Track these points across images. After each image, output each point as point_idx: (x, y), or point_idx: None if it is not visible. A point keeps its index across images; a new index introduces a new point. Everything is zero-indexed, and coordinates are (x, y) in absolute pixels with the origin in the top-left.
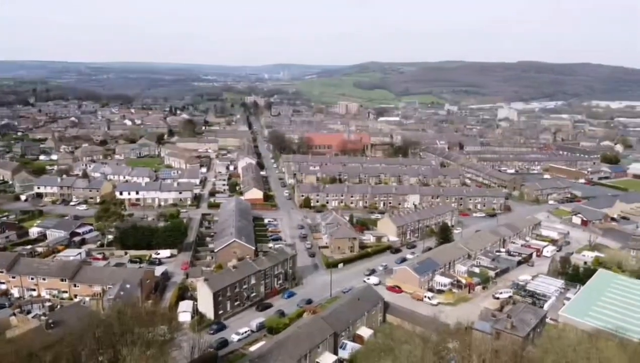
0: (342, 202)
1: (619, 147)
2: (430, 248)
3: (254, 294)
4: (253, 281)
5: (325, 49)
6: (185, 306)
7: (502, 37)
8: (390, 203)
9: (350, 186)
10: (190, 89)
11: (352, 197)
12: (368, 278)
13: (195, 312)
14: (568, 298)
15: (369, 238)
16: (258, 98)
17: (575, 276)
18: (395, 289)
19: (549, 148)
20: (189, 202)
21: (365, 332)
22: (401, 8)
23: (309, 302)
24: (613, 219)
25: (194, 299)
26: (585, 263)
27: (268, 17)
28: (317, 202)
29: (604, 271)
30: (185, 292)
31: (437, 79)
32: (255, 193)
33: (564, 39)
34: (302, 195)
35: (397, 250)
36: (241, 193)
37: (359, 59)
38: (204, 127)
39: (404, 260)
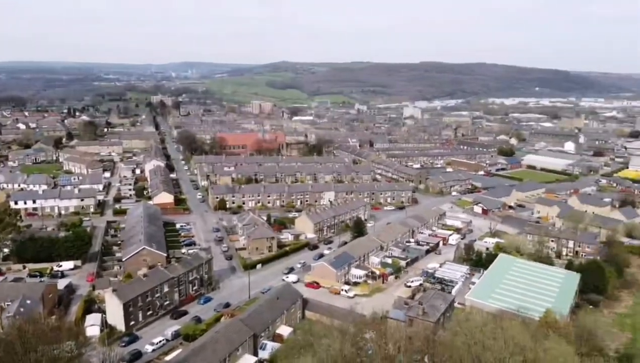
0: (259, 202)
1: (513, 141)
2: (345, 243)
3: (167, 302)
4: (166, 289)
5: (236, 48)
6: (92, 319)
7: (406, 39)
8: (307, 201)
9: (267, 186)
10: (90, 88)
11: (269, 196)
12: (287, 277)
13: (105, 324)
14: (473, 283)
15: (287, 237)
16: (165, 97)
17: (478, 261)
18: (314, 285)
19: (450, 143)
20: (92, 210)
21: (285, 330)
22: (310, 9)
23: (227, 305)
24: (510, 207)
25: (102, 311)
26: (487, 249)
27: (174, 15)
28: (233, 203)
29: (504, 255)
30: (92, 305)
31: (346, 80)
32: (165, 197)
33: (461, 39)
34: (217, 197)
35: (315, 247)
36: (149, 198)
37: (271, 59)
38: (106, 129)
39: (321, 256)
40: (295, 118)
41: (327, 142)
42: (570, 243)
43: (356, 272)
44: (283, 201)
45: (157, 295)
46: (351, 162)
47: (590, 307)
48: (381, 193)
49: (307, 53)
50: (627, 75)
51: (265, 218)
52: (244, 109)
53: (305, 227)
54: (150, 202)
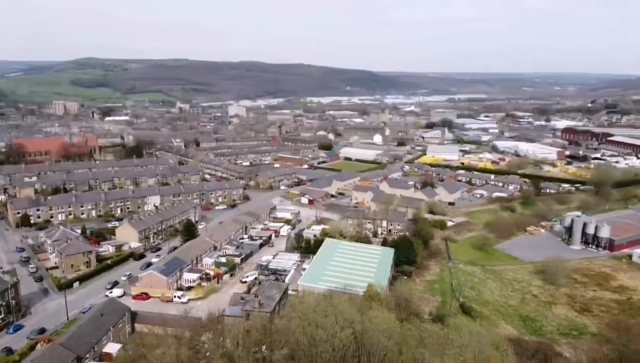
0: (70, 213)
1: (331, 136)
2: (175, 248)
3: None
4: None
5: (33, 43)
6: None
7: (225, 37)
8: (128, 208)
9: (79, 195)
10: None
11: (82, 206)
12: (110, 292)
13: None
14: (304, 269)
15: (107, 249)
16: None
17: (307, 248)
18: (143, 296)
19: (276, 140)
20: None
21: (112, 347)
22: (119, 2)
23: (42, 331)
24: (332, 196)
25: None
26: (314, 236)
27: None
28: (39, 217)
29: (330, 240)
30: None
31: (164, 77)
32: None
33: (278, 40)
34: (18, 212)
35: (141, 256)
36: None
37: (75, 55)
38: None
39: (149, 265)
40: (108, 118)
41: (148, 144)
42: (384, 223)
43: (189, 276)
44: (100, 210)
45: None
46: (177, 163)
47: (405, 277)
48: (211, 193)
49: (118, 49)
50: (422, 74)
51: (79, 231)
52: (45, 110)
53: (128, 236)
54: None
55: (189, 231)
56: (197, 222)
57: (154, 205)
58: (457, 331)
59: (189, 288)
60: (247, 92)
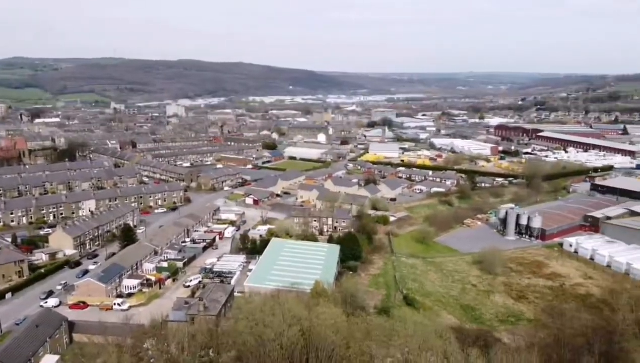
0: None
1: (275, 135)
2: (114, 254)
3: None
4: None
5: None
6: None
7: (161, 35)
8: (62, 214)
9: (8, 201)
10: None
11: (12, 213)
12: (45, 302)
13: None
14: (250, 270)
15: (40, 257)
16: None
17: (253, 249)
18: (80, 305)
19: (218, 140)
20: None
21: (50, 359)
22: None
23: None
24: (277, 195)
25: None
26: (260, 236)
27: None
28: None
29: (276, 239)
30: None
31: (97, 77)
32: None
33: (219, 38)
34: None
35: (77, 264)
36: None
37: (1, 54)
38: None
39: (86, 272)
40: (37, 120)
41: (81, 146)
42: (329, 220)
43: (129, 283)
44: (31, 217)
45: None
46: (112, 165)
47: (350, 272)
48: (150, 196)
49: (48, 48)
50: (363, 74)
51: (9, 239)
52: None
53: (62, 243)
54: None
55: (128, 236)
56: (135, 226)
57: (89, 210)
58: (401, 322)
59: (130, 295)
60: (186, 91)
